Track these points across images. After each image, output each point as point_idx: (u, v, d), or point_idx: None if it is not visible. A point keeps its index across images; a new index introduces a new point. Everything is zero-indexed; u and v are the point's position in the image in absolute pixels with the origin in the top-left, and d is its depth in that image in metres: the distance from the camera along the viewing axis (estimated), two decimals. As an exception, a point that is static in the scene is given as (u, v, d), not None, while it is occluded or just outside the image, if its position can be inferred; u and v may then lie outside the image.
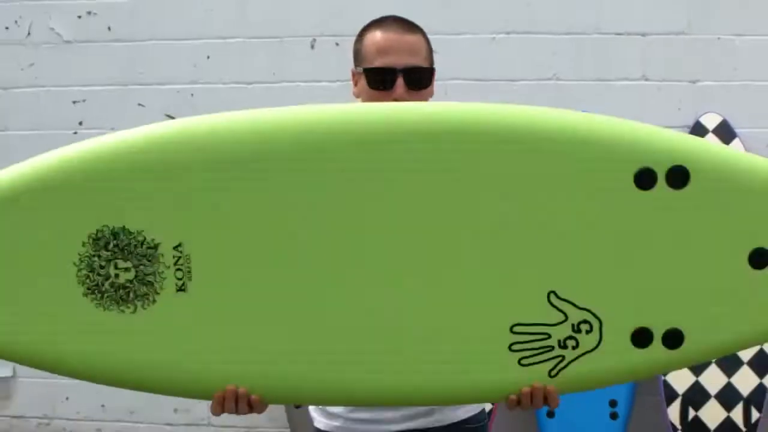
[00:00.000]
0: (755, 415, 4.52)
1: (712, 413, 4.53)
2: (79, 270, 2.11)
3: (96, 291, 2.11)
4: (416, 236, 2.11)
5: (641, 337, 2.09)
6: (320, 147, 2.10)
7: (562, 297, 2.10)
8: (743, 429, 4.52)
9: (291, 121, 2.13)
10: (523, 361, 2.10)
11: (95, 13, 5.08)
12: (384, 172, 2.10)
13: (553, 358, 2.10)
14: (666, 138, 2.13)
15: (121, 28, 5.08)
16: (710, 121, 4.70)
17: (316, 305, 2.13)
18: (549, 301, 2.10)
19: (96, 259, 2.10)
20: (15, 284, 2.13)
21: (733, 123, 4.68)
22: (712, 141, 4.62)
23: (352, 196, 2.11)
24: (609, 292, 2.11)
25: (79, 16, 5.09)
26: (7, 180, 2.12)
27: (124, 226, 2.09)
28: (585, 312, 2.10)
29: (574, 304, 2.10)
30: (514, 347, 2.10)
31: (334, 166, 2.10)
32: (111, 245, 2.10)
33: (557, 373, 2.10)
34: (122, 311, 2.11)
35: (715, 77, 4.73)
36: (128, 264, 2.11)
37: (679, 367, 2.20)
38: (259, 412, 2.19)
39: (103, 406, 5.10)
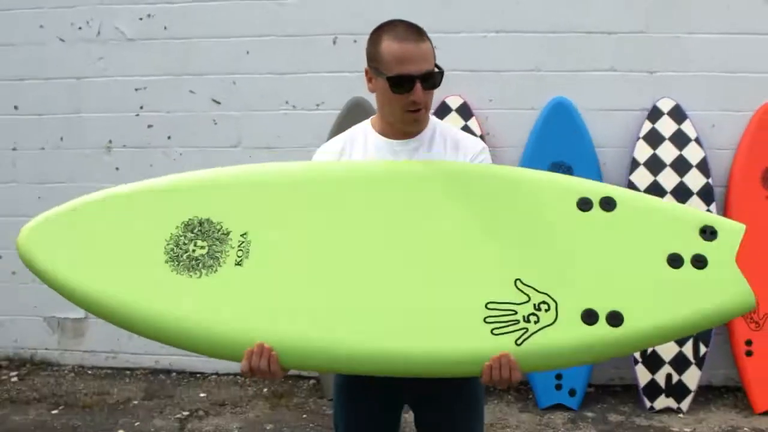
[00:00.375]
0: (703, 349, 4.70)
1: (666, 348, 4.71)
2: (167, 244, 2.48)
3: (175, 260, 2.45)
4: (420, 241, 2.44)
5: (589, 316, 2.30)
6: (358, 185, 2.53)
7: (526, 283, 2.34)
8: (693, 361, 4.70)
9: (338, 166, 2.59)
10: (495, 331, 2.29)
11: (154, 15, 5.20)
12: (397, 200, 2.50)
13: (518, 329, 2.29)
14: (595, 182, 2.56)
15: (175, 28, 5.20)
16: (665, 105, 4.79)
17: (335, 288, 2.39)
18: (516, 286, 2.34)
19: (182, 238, 2.48)
20: (121, 251, 2.49)
21: (684, 107, 4.79)
22: (667, 122, 4.78)
23: (372, 214, 2.49)
24: (563, 282, 2.35)
25: (141, 18, 5.21)
26: (132, 189, 2.59)
27: (209, 218, 2.50)
28: (544, 295, 2.32)
29: (535, 289, 2.33)
30: (488, 320, 2.30)
31: (361, 197, 2.51)
32: (196, 230, 2.50)
33: (522, 342, 2.28)
34: (190, 276, 2.43)
35: (670, 68, 4.83)
36: (204, 244, 2.47)
37: (625, 349, 2.35)
38: (277, 376, 2.35)
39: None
